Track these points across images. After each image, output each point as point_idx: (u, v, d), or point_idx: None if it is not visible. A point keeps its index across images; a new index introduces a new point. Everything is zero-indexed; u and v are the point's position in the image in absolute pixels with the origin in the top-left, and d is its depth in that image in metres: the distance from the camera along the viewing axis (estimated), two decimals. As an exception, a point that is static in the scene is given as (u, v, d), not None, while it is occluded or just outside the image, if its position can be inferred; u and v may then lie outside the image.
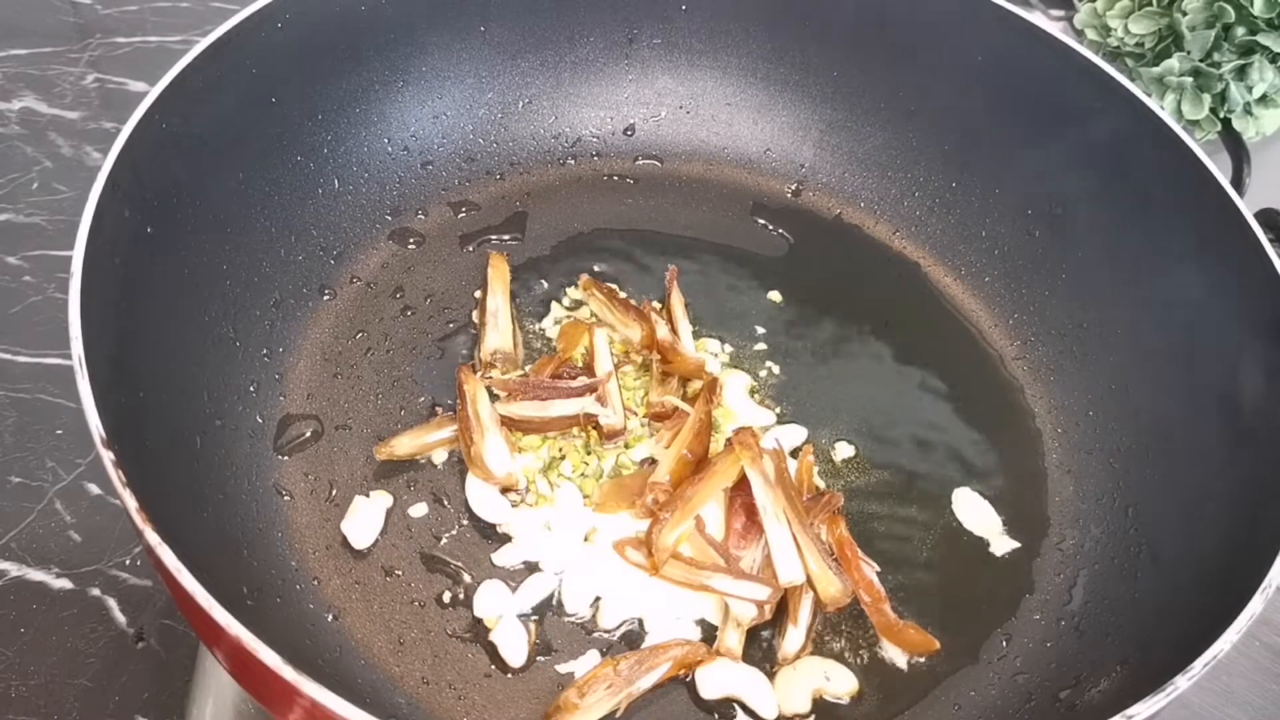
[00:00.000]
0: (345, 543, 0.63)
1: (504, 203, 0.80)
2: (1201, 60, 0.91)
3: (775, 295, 0.77)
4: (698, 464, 0.65)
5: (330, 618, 0.60)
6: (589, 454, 0.67)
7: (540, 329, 0.74)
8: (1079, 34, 1.01)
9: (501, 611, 0.61)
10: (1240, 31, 0.90)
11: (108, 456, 0.49)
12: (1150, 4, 0.94)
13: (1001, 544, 0.67)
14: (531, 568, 0.63)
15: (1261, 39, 0.89)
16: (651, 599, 0.62)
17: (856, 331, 0.76)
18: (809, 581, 0.61)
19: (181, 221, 0.64)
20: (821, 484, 0.68)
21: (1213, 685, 0.70)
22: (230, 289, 0.67)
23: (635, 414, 0.68)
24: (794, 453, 0.69)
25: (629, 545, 0.62)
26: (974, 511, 0.68)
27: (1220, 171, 0.68)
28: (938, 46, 0.78)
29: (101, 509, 0.71)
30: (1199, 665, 0.50)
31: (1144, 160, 0.71)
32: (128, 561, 0.69)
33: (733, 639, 0.60)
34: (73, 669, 0.65)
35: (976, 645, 0.63)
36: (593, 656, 0.60)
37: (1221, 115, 0.92)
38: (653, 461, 0.67)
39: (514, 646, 0.60)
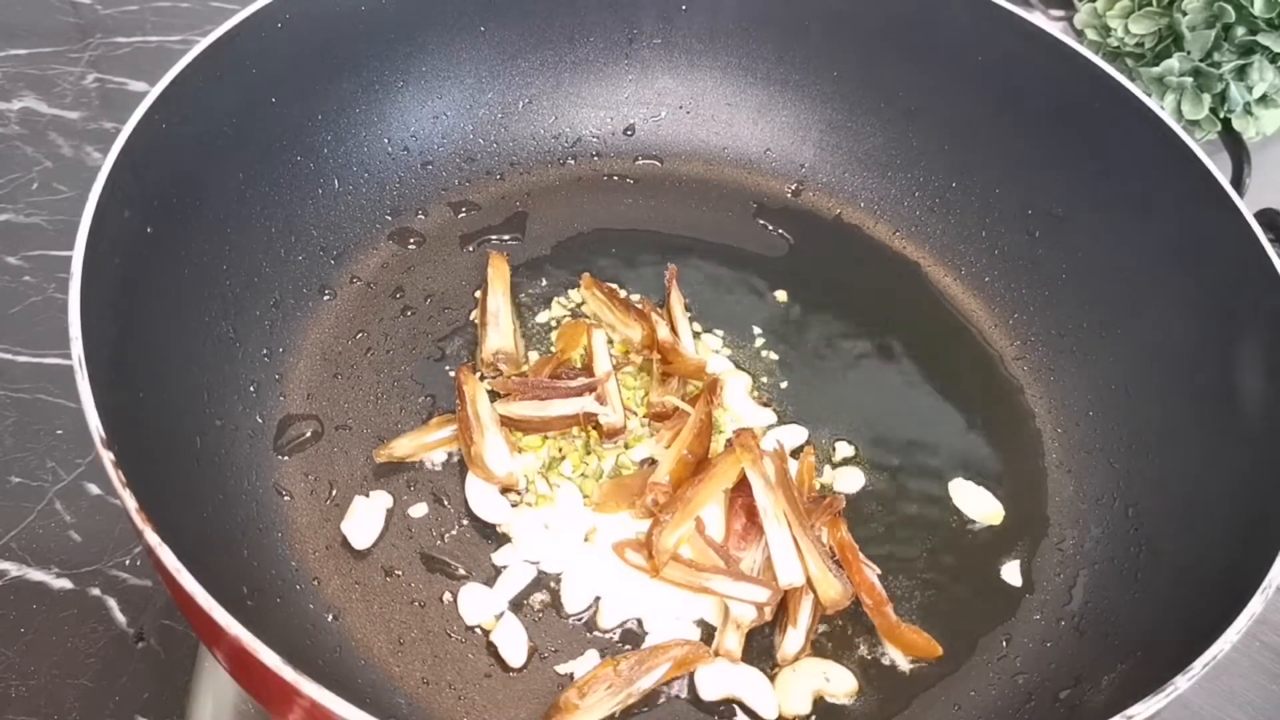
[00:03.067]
0: (345, 543, 0.63)
1: (504, 203, 0.80)
2: (1201, 60, 0.91)
3: (781, 294, 0.77)
4: (698, 465, 0.65)
5: (330, 618, 0.60)
6: (589, 454, 0.67)
7: (539, 323, 0.74)
8: (1079, 34, 1.01)
9: (484, 611, 0.61)
10: (1240, 31, 0.90)
11: (108, 456, 0.49)
12: (1150, 4, 0.94)
13: (1010, 571, 0.67)
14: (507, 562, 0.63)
15: (1261, 39, 0.89)
16: (651, 599, 0.62)
17: (856, 331, 0.76)
18: (809, 583, 0.61)
19: (181, 221, 0.64)
20: (830, 481, 0.68)
21: (1213, 685, 0.70)
22: (230, 289, 0.67)
23: (635, 414, 0.68)
24: (794, 453, 0.69)
25: (629, 547, 0.62)
26: (972, 499, 0.68)
27: (1220, 171, 0.68)
28: (938, 46, 0.78)
29: (101, 509, 0.71)
30: (1199, 665, 0.50)
31: (1144, 160, 0.71)
32: (128, 561, 0.69)
33: (732, 640, 0.60)
34: (73, 669, 0.65)
35: (976, 645, 0.63)
36: (592, 656, 0.60)
37: (1221, 115, 0.92)
38: (653, 461, 0.67)
39: (514, 646, 0.60)
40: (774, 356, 0.74)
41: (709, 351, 0.73)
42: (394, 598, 0.61)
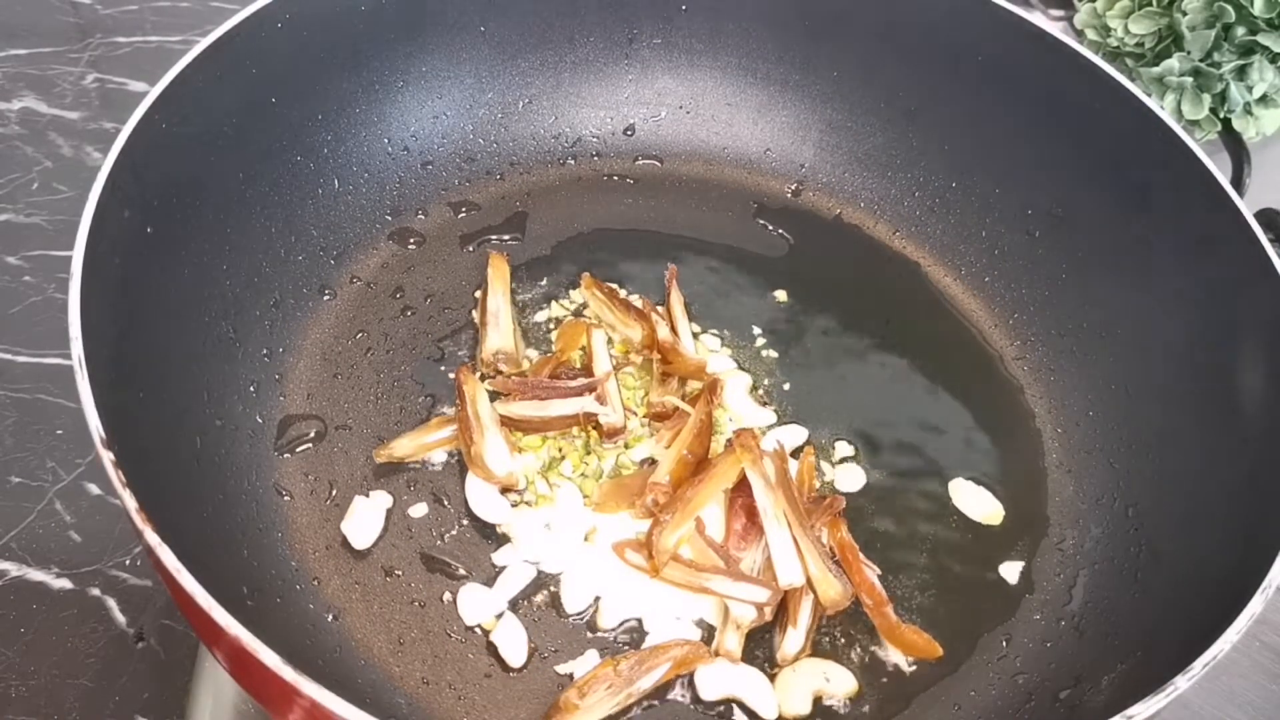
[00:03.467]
0: (345, 543, 0.63)
1: (504, 203, 0.80)
2: (1201, 60, 0.91)
3: (781, 294, 0.77)
4: (698, 465, 0.65)
5: (330, 618, 0.60)
6: (589, 454, 0.67)
7: (539, 323, 0.74)
8: (1079, 34, 1.01)
9: (484, 611, 0.61)
10: (1240, 31, 0.90)
11: (108, 456, 0.49)
12: (1150, 4, 0.94)
13: (1010, 570, 0.67)
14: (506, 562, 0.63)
15: (1261, 39, 0.89)
16: (651, 599, 0.62)
17: (856, 331, 0.76)
18: (809, 584, 0.61)
19: (181, 221, 0.64)
20: (830, 479, 0.68)
21: (1213, 685, 0.70)
22: (230, 289, 0.67)
23: (635, 414, 0.68)
24: (794, 453, 0.69)
25: (629, 547, 0.62)
26: (972, 499, 0.68)
27: (1220, 171, 0.68)
28: (938, 46, 0.78)
29: (101, 509, 0.71)
30: (1199, 665, 0.50)
31: (1144, 160, 0.71)
32: (128, 561, 0.69)
33: (732, 641, 0.60)
34: (73, 669, 0.65)
35: (976, 645, 0.63)
36: (592, 656, 0.60)
37: (1221, 115, 0.92)
38: (653, 462, 0.67)
39: (514, 646, 0.60)
40: (774, 356, 0.74)
41: (708, 351, 0.73)
42: (394, 598, 0.61)
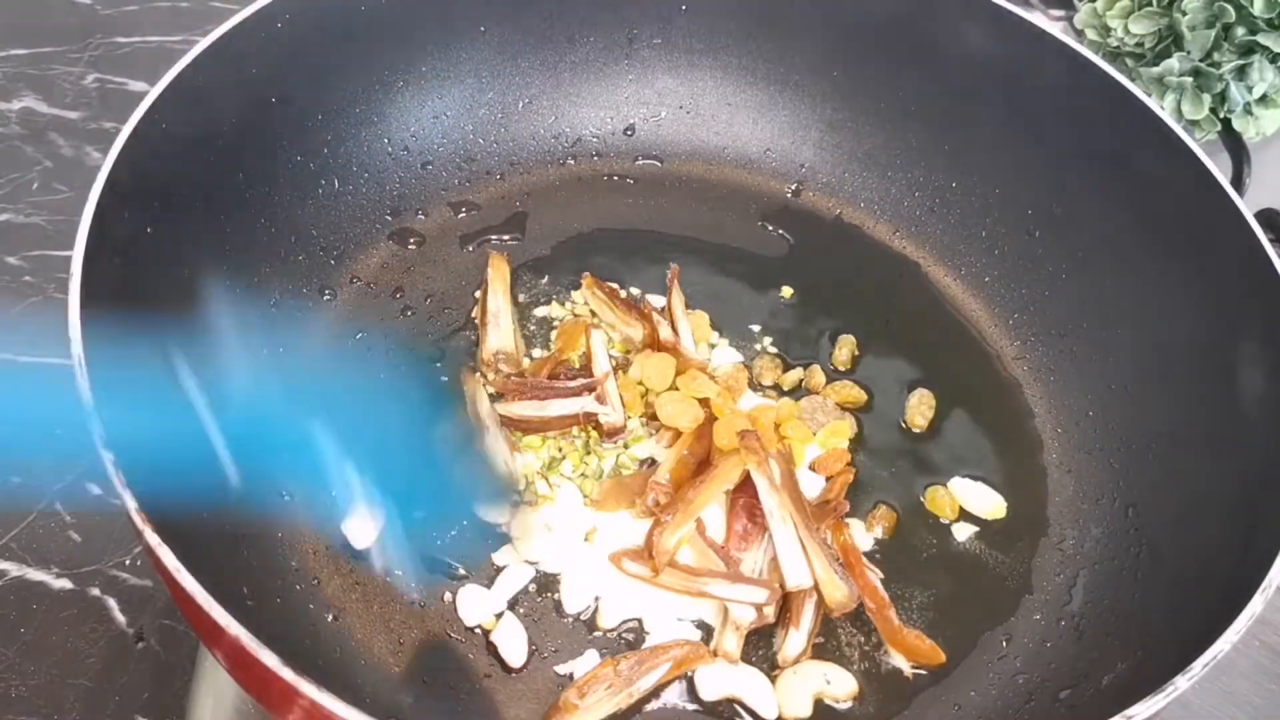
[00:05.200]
0: (345, 543, 0.63)
1: (504, 203, 0.80)
2: (1201, 60, 0.91)
3: (787, 290, 0.77)
4: (699, 465, 0.65)
5: (330, 618, 0.60)
6: (589, 454, 0.67)
7: (539, 321, 0.74)
8: (1079, 34, 1.01)
9: (484, 611, 0.61)
10: (1240, 31, 0.90)
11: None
12: (1150, 4, 0.94)
13: (962, 530, 0.67)
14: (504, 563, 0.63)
15: (1261, 39, 0.89)
16: (651, 599, 0.62)
17: (856, 331, 0.76)
18: (815, 586, 0.61)
19: (181, 222, 0.64)
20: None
21: (1213, 685, 0.70)
22: (230, 290, 0.67)
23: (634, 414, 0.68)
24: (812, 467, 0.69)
25: (626, 557, 0.61)
26: (973, 496, 0.68)
27: (1220, 171, 0.68)
28: (938, 46, 0.78)
29: (101, 509, 0.71)
30: (1199, 665, 0.50)
31: (1144, 160, 0.71)
32: (128, 561, 0.69)
33: (730, 642, 0.60)
34: (73, 669, 0.65)
35: (976, 645, 0.63)
36: (592, 656, 0.60)
37: (1221, 115, 0.92)
38: (653, 461, 0.67)
39: (514, 646, 0.60)
40: (774, 355, 0.74)
41: (709, 346, 0.73)
42: (394, 598, 0.61)
